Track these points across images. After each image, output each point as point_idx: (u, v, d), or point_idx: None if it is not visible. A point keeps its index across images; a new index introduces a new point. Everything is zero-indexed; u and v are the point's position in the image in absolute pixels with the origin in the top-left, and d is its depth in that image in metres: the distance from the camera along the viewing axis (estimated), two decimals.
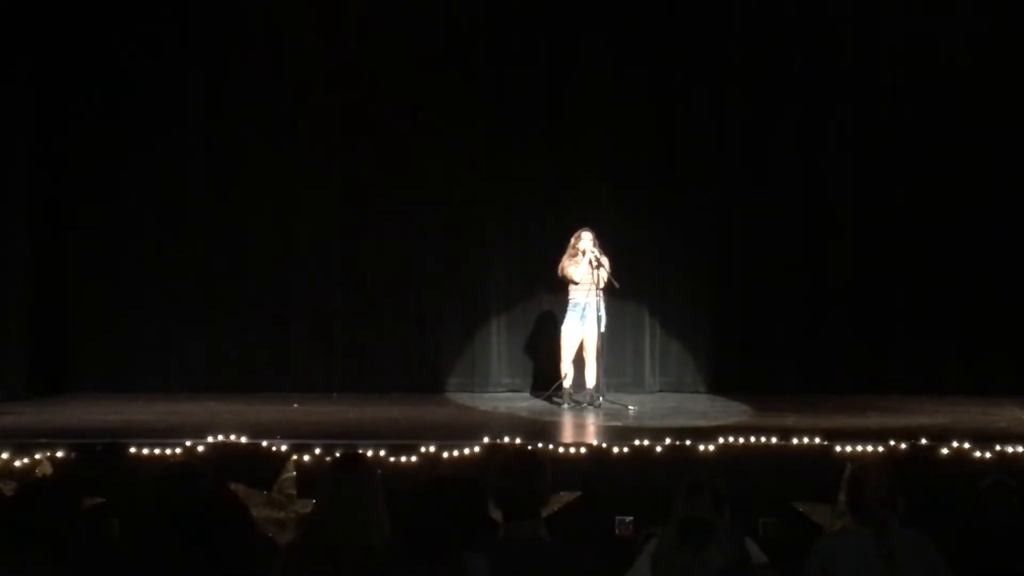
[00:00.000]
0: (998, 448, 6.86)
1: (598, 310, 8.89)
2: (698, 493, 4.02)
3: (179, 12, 10.27)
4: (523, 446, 6.68)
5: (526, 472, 3.82)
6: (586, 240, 9.01)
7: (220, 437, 7.00)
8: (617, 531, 6.40)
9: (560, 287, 9.33)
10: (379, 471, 4.05)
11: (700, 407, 9.42)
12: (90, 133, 10.22)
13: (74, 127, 10.23)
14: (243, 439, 7.00)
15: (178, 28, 10.26)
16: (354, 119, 10.28)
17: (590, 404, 9.03)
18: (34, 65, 9.76)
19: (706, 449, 6.93)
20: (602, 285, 8.89)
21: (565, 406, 9.08)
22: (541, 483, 3.83)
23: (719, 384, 10.22)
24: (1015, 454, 6.82)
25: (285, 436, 7.06)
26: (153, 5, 10.25)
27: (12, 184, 9.66)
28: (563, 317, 9.24)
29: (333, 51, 10.25)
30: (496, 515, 3.85)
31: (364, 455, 5.63)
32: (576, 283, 9.03)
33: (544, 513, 6.29)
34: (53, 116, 10.04)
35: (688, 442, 6.99)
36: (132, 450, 6.79)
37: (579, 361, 9.15)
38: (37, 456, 6.62)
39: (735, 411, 9.01)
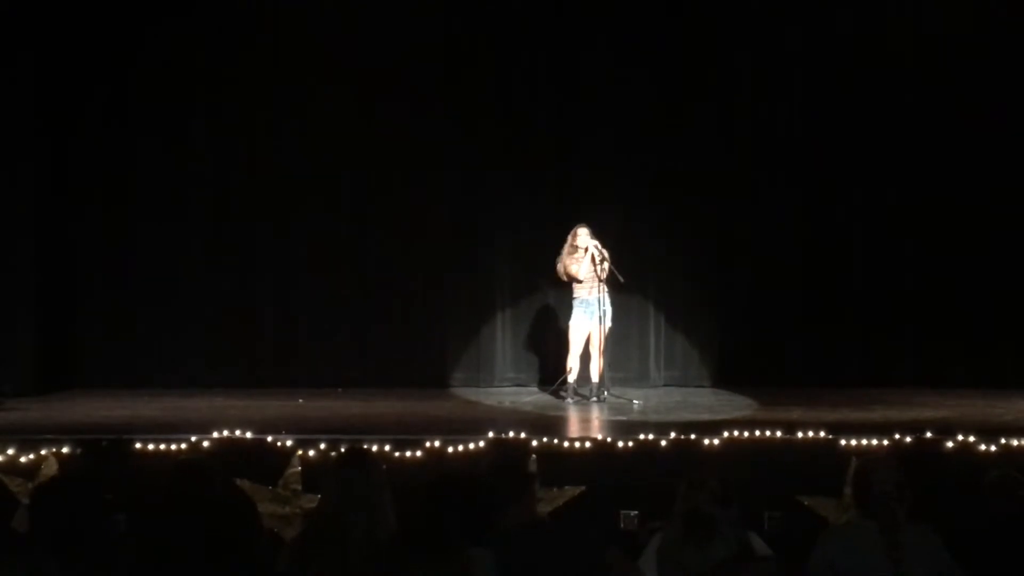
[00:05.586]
0: (1003, 442, 6.84)
1: (603, 305, 8.91)
2: (702, 487, 4.03)
3: (182, 10, 10.26)
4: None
5: (503, 467, 3.88)
6: (584, 236, 9.00)
7: (225, 432, 7.00)
8: (622, 525, 6.41)
9: (563, 283, 9.33)
10: (384, 466, 4.05)
11: (705, 401, 9.42)
12: (97, 130, 10.23)
13: (81, 124, 10.22)
14: (248, 434, 7.00)
15: (181, 27, 10.24)
16: (358, 117, 10.28)
17: (595, 398, 9.04)
18: (38, 62, 9.74)
19: (711, 443, 6.92)
20: (603, 277, 8.90)
21: (569, 400, 9.09)
22: (522, 467, 3.91)
23: (724, 378, 10.20)
24: (1021, 447, 6.81)
25: (290, 431, 7.06)
26: (155, 3, 10.27)
27: (20, 180, 9.66)
28: (568, 312, 9.25)
29: (336, 51, 10.24)
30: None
31: (369, 450, 5.64)
32: (580, 280, 9.03)
33: (548, 508, 6.34)
34: (59, 112, 10.04)
35: (693, 436, 6.99)
36: (138, 446, 6.80)
37: (585, 355, 9.15)
38: (43, 452, 6.63)
39: (740, 405, 9.01)
